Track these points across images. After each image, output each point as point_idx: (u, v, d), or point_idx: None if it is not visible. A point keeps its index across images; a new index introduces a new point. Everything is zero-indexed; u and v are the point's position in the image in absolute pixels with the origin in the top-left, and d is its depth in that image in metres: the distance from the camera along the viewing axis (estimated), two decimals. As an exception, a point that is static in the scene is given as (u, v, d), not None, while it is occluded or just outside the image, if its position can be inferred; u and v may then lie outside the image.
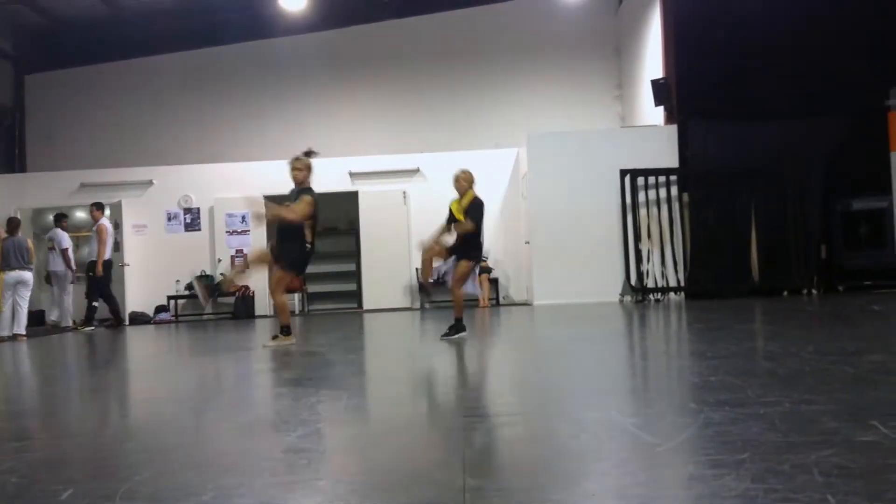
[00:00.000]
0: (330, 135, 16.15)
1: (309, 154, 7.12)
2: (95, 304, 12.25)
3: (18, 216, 12.53)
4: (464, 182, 7.17)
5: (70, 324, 12.44)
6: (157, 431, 3.58)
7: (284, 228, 6.95)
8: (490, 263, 14.20)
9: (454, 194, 7.31)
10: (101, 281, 12.21)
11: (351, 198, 14.56)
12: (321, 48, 16.49)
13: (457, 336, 6.91)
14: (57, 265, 12.37)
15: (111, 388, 5.44)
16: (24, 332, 10.75)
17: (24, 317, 10.89)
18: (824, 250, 12.72)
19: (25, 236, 11.63)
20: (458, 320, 7.04)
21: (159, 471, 2.68)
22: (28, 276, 10.95)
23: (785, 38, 12.43)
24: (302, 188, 7.02)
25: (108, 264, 12.30)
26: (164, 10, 15.72)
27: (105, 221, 12.42)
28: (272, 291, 7.14)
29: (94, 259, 12.24)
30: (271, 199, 7.15)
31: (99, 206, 12.58)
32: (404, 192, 14.41)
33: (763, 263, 12.63)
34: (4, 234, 11.10)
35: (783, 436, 2.63)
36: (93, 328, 12.12)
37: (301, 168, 7.00)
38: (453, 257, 7.13)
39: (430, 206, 14.33)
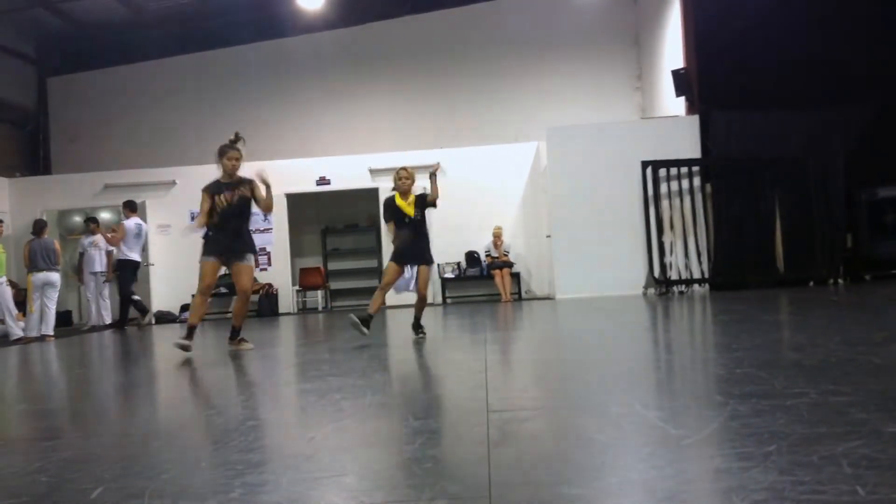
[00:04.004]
0: (349, 131, 16.24)
1: (237, 140, 6.82)
2: (135, 297, 12.42)
3: (44, 218, 12.67)
4: (408, 181, 7.07)
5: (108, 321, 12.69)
6: (184, 430, 3.61)
7: (243, 223, 6.80)
8: (511, 258, 14.20)
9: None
10: (118, 279, 12.37)
11: (371, 194, 14.59)
12: (339, 45, 16.55)
13: (424, 335, 6.99)
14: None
15: (138, 387, 5.49)
16: (52, 333, 10.90)
17: (52, 318, 11.04)
18: (850, 239, 12.59)
19: (52, 237, 11.78)
20: (418, 319, 7.10)
21: (186, 469, 2.70)
22: (55, 277, 11.09)
23: (808, 26, 12.29)
24: (242, 179, 6.78)
25: (121, 264, 12.34)
26: (183, 12, 15.84)
27: (126, 221, 12.43)
28: (247, 290, 6.94)
29: (119, 258, 12.32)
30: (212, 186, 6.83)
31: (127, 205, 12.62)
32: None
33: (788, 253, 12.52)
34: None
35: (810, 427, 2.61)
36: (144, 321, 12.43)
37: (240, 158, 6.75)
38: (411, 267, 7.06)
39: (450, 201, 14.36)
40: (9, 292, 11.02)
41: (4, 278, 10.95)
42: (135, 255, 12.42)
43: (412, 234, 7.00)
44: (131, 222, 12.44)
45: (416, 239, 7.01)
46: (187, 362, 6.38)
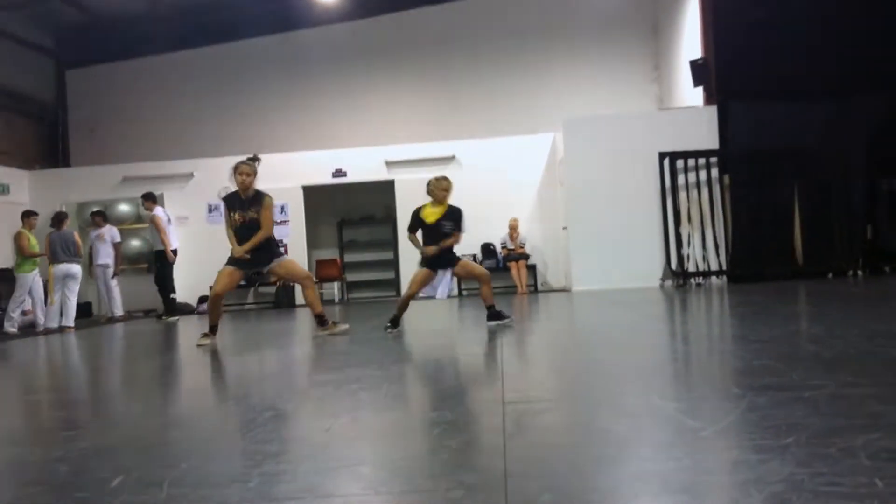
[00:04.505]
0: (365, 123, 16.25)
1: (255, 159, 7.06)
2: (174, 295, 12.44)
3: (64, 210, 12.74)
4: (442, 192, 7.05)
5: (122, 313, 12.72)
6: (202, 420, 3.64)
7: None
8: (527, 250, 14.17)
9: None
10: (162, 270, 12.32)
11: (387, 186, 14.60)
12: (354, 37, 16.54)
13: (505, 321, 6.97)
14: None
15: (157, 378, 5.54)
16: (72, 324, 11.00)
17: (73, 309, 11.13)
18: (870, 231, 12.47)
19: (72, 229, 11.85)
20: (492, 307, 7.06)
21: (205, 458, 2.73)
22: (76, 269, 11.18)
23: (826, 15, 12.15)
24: (257, 194, 6.95)
25: (161, 255, 12.26)
26: (199, 4, 15.90)
27: (158, 211, 12.38)
28: (304, 275, 7.40)
29: (158, 249, 12.29)
30: (230, 200, 7.00)
31: (148, 197, 12.59)
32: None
33: (807, 245, 12.41)
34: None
35: (828, 419, 2.59)
36: (177, 318, 12.26)
37: (250, 173, 6.90)
38: (442, 271, 7.06)
39: (466, 193, 14.31)
40: (41, 283, 11.14)
41: (37, 269, 11.09)
42: (173, 243, 12.41)
43: (433, 243, 6.97)
44: (160, 211, 12.39)
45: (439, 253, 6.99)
46: (205, 354, 6.43)
